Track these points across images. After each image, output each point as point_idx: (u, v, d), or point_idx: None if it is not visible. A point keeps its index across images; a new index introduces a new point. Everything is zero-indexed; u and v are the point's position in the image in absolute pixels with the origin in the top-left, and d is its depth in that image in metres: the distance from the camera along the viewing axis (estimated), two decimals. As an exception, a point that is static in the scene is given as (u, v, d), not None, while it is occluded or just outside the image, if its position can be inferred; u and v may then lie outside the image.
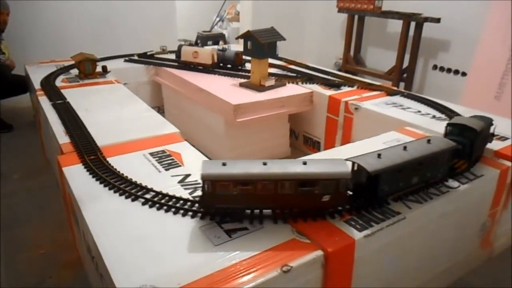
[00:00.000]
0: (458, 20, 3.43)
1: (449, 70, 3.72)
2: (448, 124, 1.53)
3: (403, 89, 3.60)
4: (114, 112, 2.02)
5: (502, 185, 1.58)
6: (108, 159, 1.49)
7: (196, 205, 1.20)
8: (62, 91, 2.32)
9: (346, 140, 2.35)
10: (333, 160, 1.18)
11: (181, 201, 1.21)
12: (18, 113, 3.49)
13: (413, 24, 3.59)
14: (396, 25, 3.82)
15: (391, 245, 1.21)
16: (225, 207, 1.14)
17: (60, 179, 1.56)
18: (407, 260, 1.35)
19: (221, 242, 1.05)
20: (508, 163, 1.58)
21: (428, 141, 1.36)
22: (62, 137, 1.69)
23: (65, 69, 2.80)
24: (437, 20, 3.44)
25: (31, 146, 2.86)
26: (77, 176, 1.39)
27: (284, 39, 2.49)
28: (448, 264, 1.55)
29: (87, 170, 1.41)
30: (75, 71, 2.71)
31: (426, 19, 3.48)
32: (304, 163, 1.12)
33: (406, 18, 3.60)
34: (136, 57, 3.23)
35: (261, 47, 2.38)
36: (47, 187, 2.26)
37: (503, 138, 1.79)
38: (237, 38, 2.57)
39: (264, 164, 1.11)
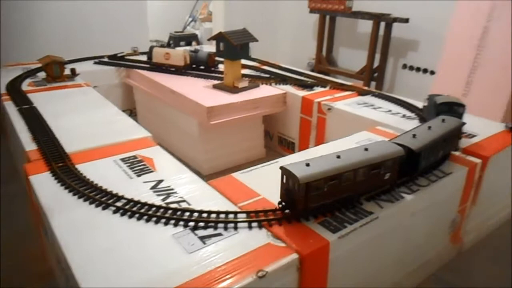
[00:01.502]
0: (426, 20, 3.53)
1: (418, 69, 3.81)
2: (439, 104, 1.76)
3: (374, 88, 3.66)
4: (83, 117, 1.96)
5: (470, 182, 1.63)
6: (77, 166, 1.44)
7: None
8: (29, 95, 2.23)
9: (320, 140, 2.37)
10: (380, 142, 1.38)
11: (154, 208, 1.19)
12: (-18, 118, 3.35)
13: (382, 24, 3.66)
14: (366, 25, 3.88)
15: (365, 245, 1.22)
16: (317, 205, 1.18)
17: (28, 188, 1.50)
18: (381, 259, 1.37)
19: (195, 250, 1.03)
20: (476, 160, 1.63)
21: (443, 120, 1.59)
22: (29, 144, 1.63)
23: (32, 72, 2.70)
24: (406, 20, 3.52)
25: (-3, 153, 2.75)
26: (44, 184, 1.34)
27: (257, 40, 2.49)
28: (421, 261, 1.59)
29: (55, 178, 1.37)
30: (42, 74, 2.61)
31: (395, 19, 3.56)
32: (366, 149, 1.26)
33: (376, 18, 3.67)
34: (106, 59, 3.15)
35: (234, 48, 2.37)
36: (16, 196, 2.17)
37: (471, 136, 1.84)
38: (209, 40, 2.55)
39: (338, 157, 1.20)
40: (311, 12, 4.23)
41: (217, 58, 2.89)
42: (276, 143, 2.76)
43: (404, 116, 2.13)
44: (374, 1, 3.86)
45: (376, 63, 3.81)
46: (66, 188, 1.30)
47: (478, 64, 2.99)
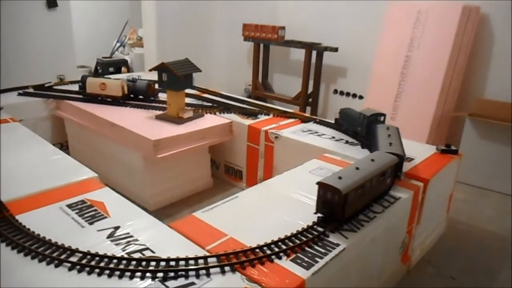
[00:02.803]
0: (354, 49, 3.77)
1: (348, 94, 4.04)
2: (369, 116, 2.10)
3: (310, 113, 3.81)
4: (15, 158, 1.77)
5: (415, 203, 1.74)
6: (17, 217, 1.28)
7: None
8: None
9: (268, 167, 2.38)
10: (376, 153, 1.58)
11: (115, 261, 1.09)
12: None
13: (314, 52, 3.84)
14: (299, 53, 4.04)
15: (335, 276, 1.24)
16: (350, 214, 1.31)
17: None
18: (348, 286, 1.39)
19: (169, 305, 0.96)
20: (418, 183, 1.75)
21: (388, 128, 1.91)
22: (-48, 194, 1.42)
23: None
24: (335, 49, 3.73)
25: None
26: (-21, 242, 1.17)
27: (200, 71, 2.47)
28: (378, 283, 1.64)
29: (-8, 234, 1.20)
30: (-43, 110, 2.33)
31: (326, 48, 3.76)
32: (373, 160, 1.45)
33: (308, 47, 3.84)
34: (31, 90, 2.90)
35: (178, 79, 2.32)
36: None
37: (409, 159, 1.97)
38: (150, 70, 2.47)
39: (357, 168, 1.35)
40: (245, 40, 4.31)
41: (157, 87, 2.81)
42: (223, 171, 2.72)
43: (347, 142, 2.23)
44: (306, 30, 4.05)
45: (310, 89, 3.97)
46: (8, 244, 1.15)
47: (403, 90, 3.25)
